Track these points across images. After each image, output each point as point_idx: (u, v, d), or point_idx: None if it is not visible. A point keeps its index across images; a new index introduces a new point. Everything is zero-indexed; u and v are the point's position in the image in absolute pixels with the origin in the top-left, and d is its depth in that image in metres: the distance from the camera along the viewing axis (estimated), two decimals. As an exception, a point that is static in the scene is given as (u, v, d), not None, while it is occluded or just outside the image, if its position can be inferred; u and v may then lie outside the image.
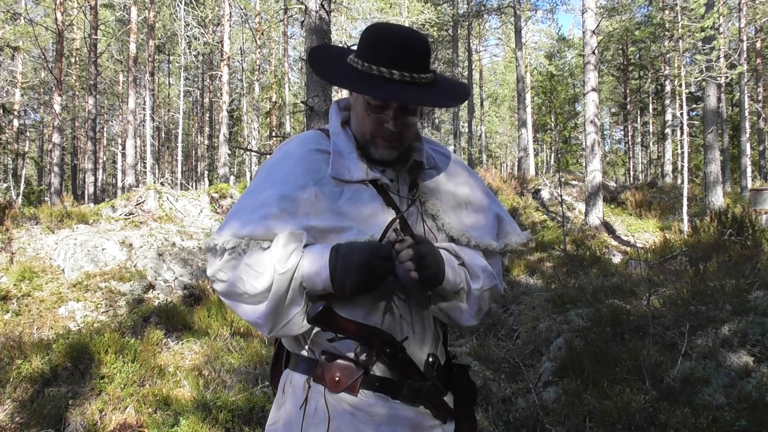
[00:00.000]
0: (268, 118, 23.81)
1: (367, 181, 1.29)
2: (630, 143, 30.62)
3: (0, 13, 18.27)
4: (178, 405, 3.92)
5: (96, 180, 19.27)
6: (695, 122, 20.09)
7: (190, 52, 22.22)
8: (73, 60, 23.90)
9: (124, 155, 20.10)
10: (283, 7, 20.71)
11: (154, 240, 8.04)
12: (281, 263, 1.17)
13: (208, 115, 30.80)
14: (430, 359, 1.29)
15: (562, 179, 15.62)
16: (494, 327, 5.74)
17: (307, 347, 1.30)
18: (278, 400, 1.35)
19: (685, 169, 12.10)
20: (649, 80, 24.98)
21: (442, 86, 1.29)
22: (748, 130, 19.59)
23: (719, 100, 16.93)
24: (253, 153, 21.99)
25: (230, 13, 18.48)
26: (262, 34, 22.05)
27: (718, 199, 11.58)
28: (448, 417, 1.35)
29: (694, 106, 21.95)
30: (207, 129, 30.47)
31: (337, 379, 1.24)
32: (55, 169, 15.25)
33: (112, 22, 24.30)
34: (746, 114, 19.27)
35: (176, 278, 7.34)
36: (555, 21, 59.50)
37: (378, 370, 1.25)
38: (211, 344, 5.26)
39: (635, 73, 27.94)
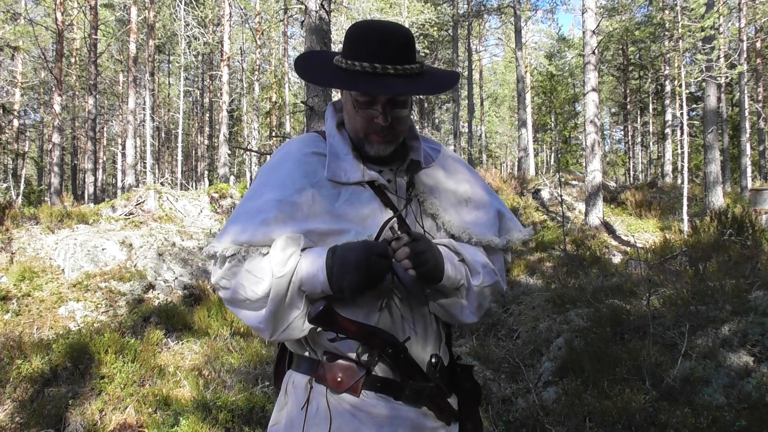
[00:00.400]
0: (268, 118, 23.82)
1: (364, 182, 1.29)
2: (630, 143, 30.63)
3: (0, 13, 18.27)
4: (178, 405, 3.91)
5: (96, 180, 19.27)
6: (695, 122, 20.09)
7: (190, 52, 22.22)
8: (73, 60, 23.91)
9: (124, 155, 20.10)
10: (283, 7, 20.72)
11: (154, 240, 8.04)
12: (279, 267, 1.17)
13: (208, 115, 30.80)
14: (433, 360, 1.29)
15: (562, 179, 15.63)
16: (494, 327, 5.74)
17: (308, 348, 1.30)
18: (280, 400, 1.35)
19: (685, 169, 12.10)
20: (649, 80, 24.99)
21: (430, 76, 1.28)
22: (748, 130, 19.59)
23: (719, 100, 16.92)
24: (253, 153, 21.99)
25: (230, 13, 18.48)
26: (262, 34, 22.05)
27: (718, 199, 11.58)
28: (452, 418, 1.34)
29: (694, 106, 21.96)
30: (207, 129, 30.46)
31: (339, 379, 1.23)
32: (55, 169, 15.25)
33: (112, 22, 24.30)
34: (746, 114, 19.27)
35: (176, 278, 7.34)
36: (555, 21, 59.63)
37: (380, 370, 1.25)
38: (211, 344, 5.26)
39: (635, 73, 27.95)
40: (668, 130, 23.98)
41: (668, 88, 23.21)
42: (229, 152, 19.29)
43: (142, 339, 5.06)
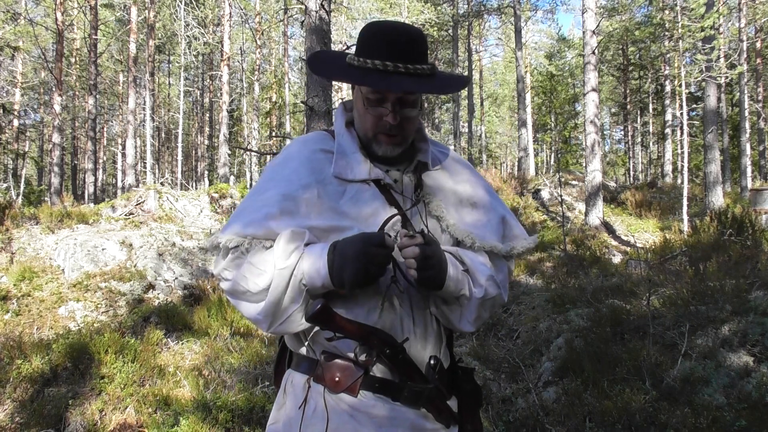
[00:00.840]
0: (268, 118, 23.82)
1: (369, 180, 1.30)
2: (630, 143, 30.63)
3: (0, 13, 18.27)
4: (178, 405, 3.91)
5: (96, 180, 19.26)
6: (695, 122, 20.08)
7: (190, 52, 22.22)
8: (73, 60, 23.90)
9: (124, 155, 20.10)
10: (283, 7, 20.71)
11: (154, 240, 8.04)
12: (282, 259, 1.18)
13: (208, 115, 30.80)
14: (432, 361, 1.28)
15: (562, 179, 15.62)
16: (494, 327, 5.74)
17: (306, 346, 1.30)
18: (279, 399, 1.35)
19: (685, 169, 12.10)
20: (649, 80, 24.98)
21: (441, 77, 1.30)
22: (748, 130, 19.59)
23: (719, 100, 16.92)
24: (253, 153, 21.99)
25: (230, 13, 18.48)
26: (262, 34, 22.05)
27: (718, 199, 11.58)
28: (452, 421, 1.34)
29: (694, 106, 21.95)
30: (207, 129, 30.47)
31: (336, 379, 1.23)
32: (55, 169, 15.25)
33: (112, 22, 24.31)
34: (746, 114, 19.27)
35: (176, 278, 7.34)
36: (555, 21, 59.61)
37: (378, 371, 1.25)
38: (211, 344, 5.26)
39: (635, 73, 27.94)
40: (668, 130, 23.97)
41: (668, 88, 23.21)
42: (229, 152, 19.30)
43: (142, 339, 5.06)
